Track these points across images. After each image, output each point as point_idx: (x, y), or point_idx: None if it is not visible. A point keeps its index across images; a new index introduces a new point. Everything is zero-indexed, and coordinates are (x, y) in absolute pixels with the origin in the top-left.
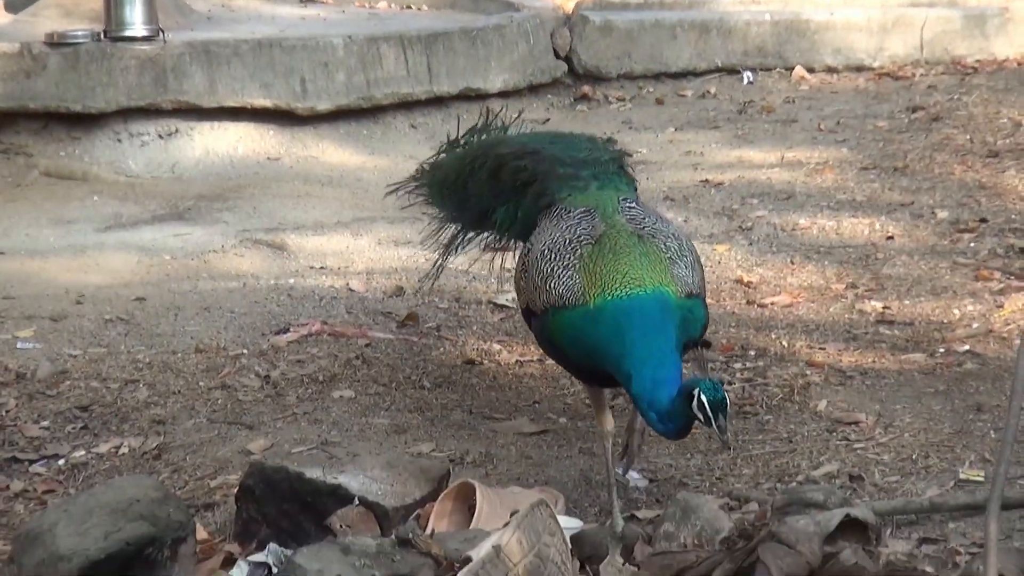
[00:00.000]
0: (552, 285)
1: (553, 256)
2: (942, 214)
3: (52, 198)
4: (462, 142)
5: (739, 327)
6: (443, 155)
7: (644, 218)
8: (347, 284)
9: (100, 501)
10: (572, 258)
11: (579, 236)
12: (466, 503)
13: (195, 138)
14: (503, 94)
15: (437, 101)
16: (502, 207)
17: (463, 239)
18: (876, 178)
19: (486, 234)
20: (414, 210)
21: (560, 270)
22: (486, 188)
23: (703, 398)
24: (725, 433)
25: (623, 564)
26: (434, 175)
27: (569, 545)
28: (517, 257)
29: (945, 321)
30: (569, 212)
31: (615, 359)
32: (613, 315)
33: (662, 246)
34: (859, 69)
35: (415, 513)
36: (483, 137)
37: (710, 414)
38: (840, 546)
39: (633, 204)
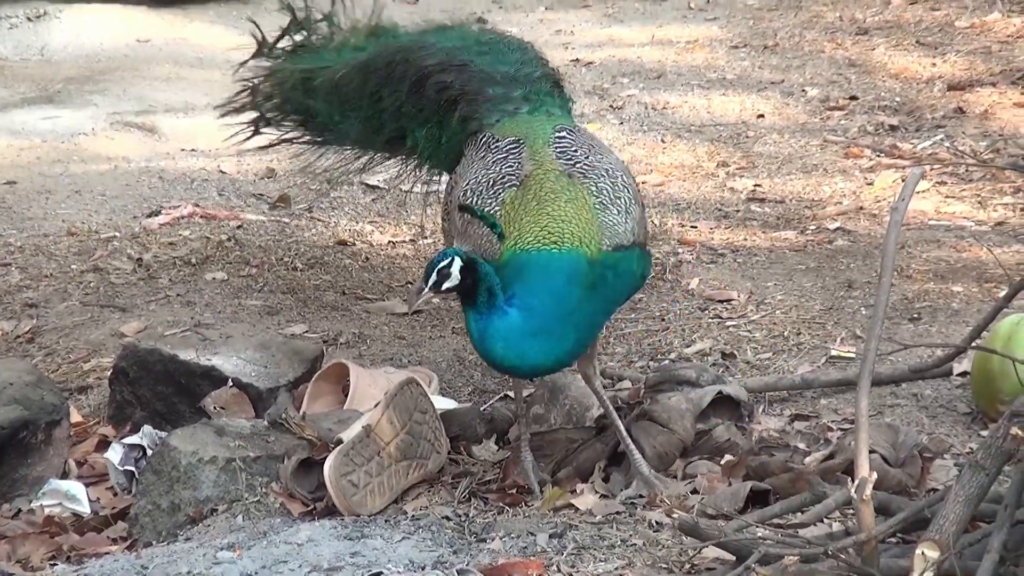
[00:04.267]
0: (472, 231)
1: (476, 200)
2: (812, 92)
3: None
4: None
5: None
6: (302, 62)
7: (577, 151)
8: (218, 166)
9: None
10: (494, 204)
11: (503, 176)
12: (340, 384)
13: (64, 20)
14: None
15: None
16: (421, 128)
17: (359, 163)
18: (746, 56)
19: (399, 159)
20: None
21: (470, 221)
22: (404, 104)
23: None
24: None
25: (497, 449)
26: (311, 83)
27: (441, 423)
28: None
29: (816, 199)
30: (497, 143)
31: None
32: (516, 269)
33: (593, 188)
34: None
35: (287, 395)
36: (395, 38)
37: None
38: (713, 423)
39: (566, 134)
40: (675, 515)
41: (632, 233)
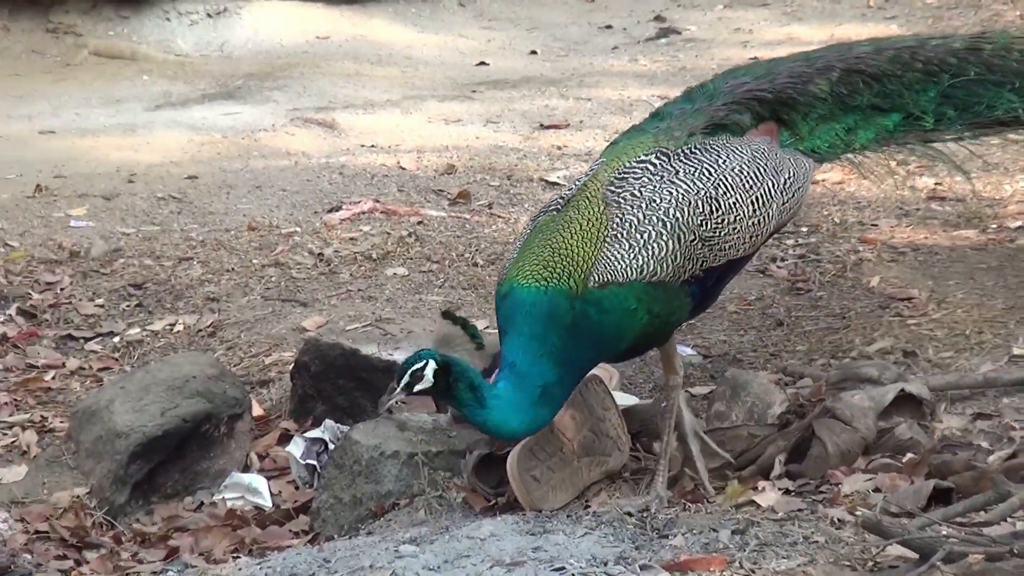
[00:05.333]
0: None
1: (530, 221)
2: None
3: (101, 77)
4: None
5: None
6: None
7: (642, 176)
8: (398, 162)
9: (156, 378)
10: (531, 226)
11: (557, 199)
12: None
13: (244, 17)
14: None
15: None
16: None
17: None
18: None
19: None
20: (464, 89)
21: (519, 239)
22: None
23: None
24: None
25: (678, 445)
26: None
27: (624, 421)
28: None
29: (997, 197)
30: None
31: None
32: (511, 305)
33: (617, 219)
34: None
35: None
36: None
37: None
38: (895, 421)
39: (654, 157)
40: (858, 512)
41: (639, 270)
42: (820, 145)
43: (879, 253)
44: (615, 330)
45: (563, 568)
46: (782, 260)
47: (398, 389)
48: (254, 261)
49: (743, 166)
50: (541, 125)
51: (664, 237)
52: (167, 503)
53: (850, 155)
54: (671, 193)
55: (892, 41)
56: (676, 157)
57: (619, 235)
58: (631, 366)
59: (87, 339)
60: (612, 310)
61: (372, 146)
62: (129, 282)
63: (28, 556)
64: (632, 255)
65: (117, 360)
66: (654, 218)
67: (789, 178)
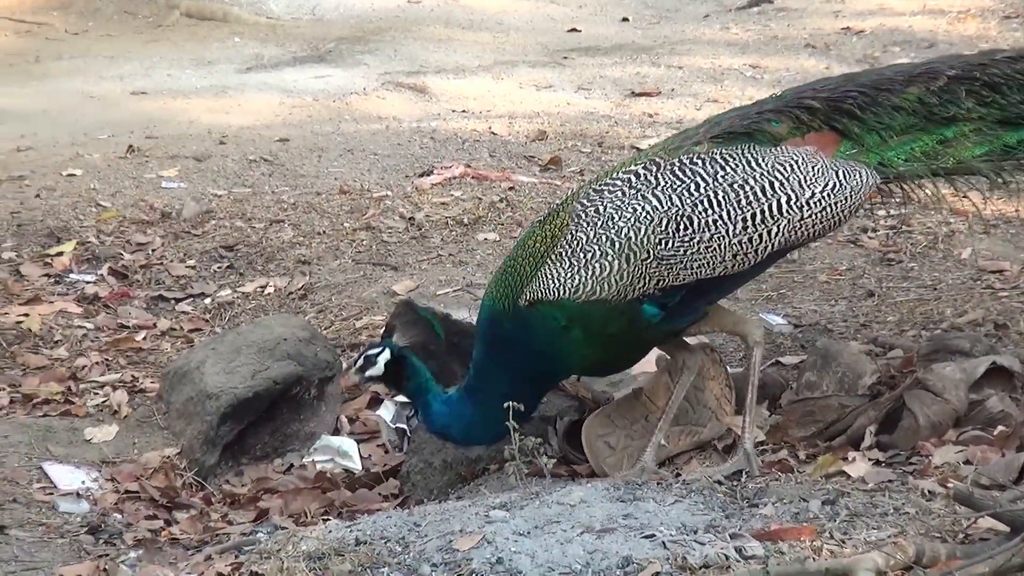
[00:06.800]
0: None
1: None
2: None
3: (193, 39)
4: None
5: None
6: None
7: (619, 188)
8: (489, 127)
9: (247, 340)
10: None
11: (552, 207)
12: None
13: None
14: None
15: None
16: None
17: None
18: (1019, 26)
19: None
20: (556, 55)
21: None
22: None
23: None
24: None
25: (768, 415)
26: None
27: (732, 392)
28: None
29: None
30: None
31: None
32: (478, 315)
33: (571, 235)
34: None
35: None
36: None
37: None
38: (986, 394)
39: (641, 169)
40: (949, 484)
41: (573, 289)
42: (894, 159)
43: (970, 225)
44: (550, 349)
45: (653, 535)
46: (873, 231)
47: (353, 370)
48: (345, 224)
49: (748, 180)
50: (632, 92)
51: (609, 257)
52: (257, 465)
53: (940, 175)
54: (635, 209)
55: None
56: (665, 168)
57: (564, 253)
58: (720, 335)
59: (178, 300)
60: (538, 328)
61: (463, 111)
62: (220, 244)
63: (118, 515)
64: (570, 274)
65: (208, 321)
66: (604, 237)
67: (820, 192)
